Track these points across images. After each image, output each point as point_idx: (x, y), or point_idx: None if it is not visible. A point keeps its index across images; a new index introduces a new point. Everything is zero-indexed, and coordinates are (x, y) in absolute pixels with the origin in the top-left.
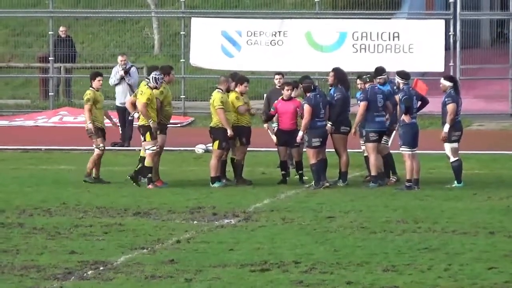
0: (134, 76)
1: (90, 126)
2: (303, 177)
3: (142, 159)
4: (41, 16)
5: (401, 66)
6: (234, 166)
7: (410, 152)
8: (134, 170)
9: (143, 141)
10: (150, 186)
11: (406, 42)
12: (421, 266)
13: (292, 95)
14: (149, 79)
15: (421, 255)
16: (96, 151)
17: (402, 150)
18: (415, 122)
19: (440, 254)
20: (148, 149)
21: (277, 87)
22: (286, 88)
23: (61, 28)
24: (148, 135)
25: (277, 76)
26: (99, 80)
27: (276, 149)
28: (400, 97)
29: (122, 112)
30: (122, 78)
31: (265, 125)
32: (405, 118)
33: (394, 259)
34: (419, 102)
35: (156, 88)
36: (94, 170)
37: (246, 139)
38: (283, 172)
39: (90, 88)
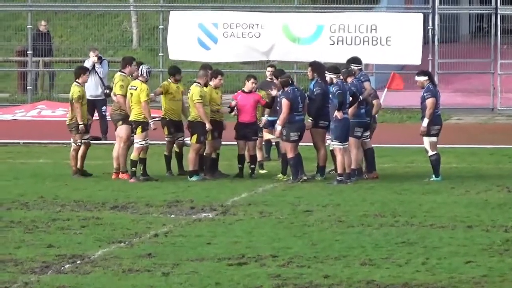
0: (104, 68)
1: (82, 125)
2: (255, 172)
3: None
4: (20, 10)
5: (378, 59)
6: (203, 160)
7: (341, 147)
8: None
9: (135, 135)
10: (132, 180)
11: (384, 34)
12: (399, 260)
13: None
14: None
15: (399, 249)
16: (74, 146)
17: (333, 145)
18: (347, 117)
19: (417, 248)
20: (137, 142)
21: (268, 79)
22: (251, 81)
23: (42, 22)
24: (139, 129)
25: (269, 68)
26: (88, 75)
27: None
28: (334, 91)
29: (93, 105)
30: (93, 69)
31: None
32: (337, 114)
33: (371, 253)
34: (351, 98)
35: (147, 81)
36: (72, 163)
37: (218, 133)
38: (239, 166)
39: (77, 83)
